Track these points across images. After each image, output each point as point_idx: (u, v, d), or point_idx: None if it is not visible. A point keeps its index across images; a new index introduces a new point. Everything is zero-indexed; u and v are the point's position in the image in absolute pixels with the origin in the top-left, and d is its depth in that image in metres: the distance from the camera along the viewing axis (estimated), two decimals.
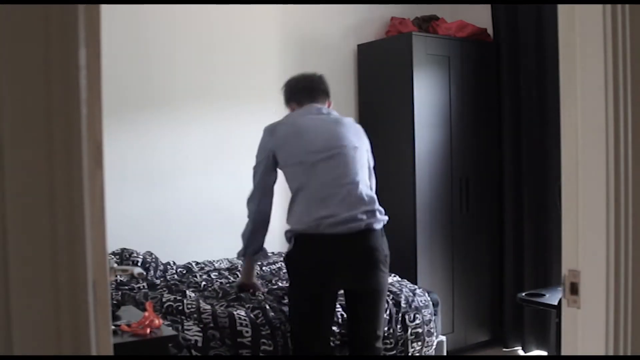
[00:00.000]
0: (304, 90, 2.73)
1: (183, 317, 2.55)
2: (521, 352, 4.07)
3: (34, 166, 0.76)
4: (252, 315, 2.60)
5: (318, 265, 2.48)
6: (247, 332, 2.53)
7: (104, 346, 0.83)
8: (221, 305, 2.69)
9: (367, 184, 2.61)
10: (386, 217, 2.60)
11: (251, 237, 2.76)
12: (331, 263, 2.47)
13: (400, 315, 2.91)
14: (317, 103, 2.71)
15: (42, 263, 0.77)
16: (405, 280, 3.28)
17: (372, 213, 2.52)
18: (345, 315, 2.72)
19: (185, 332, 2.45)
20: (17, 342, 0.76)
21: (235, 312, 2.58)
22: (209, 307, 2.60)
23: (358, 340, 2.63)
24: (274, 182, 2.68)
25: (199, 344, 2.43)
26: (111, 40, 3.19)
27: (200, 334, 2.46)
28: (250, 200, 2.74)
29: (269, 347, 2.55)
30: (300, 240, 2.51)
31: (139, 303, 2.62)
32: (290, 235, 2.54)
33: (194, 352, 2.41)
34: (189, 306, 2.59)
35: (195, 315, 2.55)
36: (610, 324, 1.15)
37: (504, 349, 4.10)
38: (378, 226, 2.54)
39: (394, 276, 3.34)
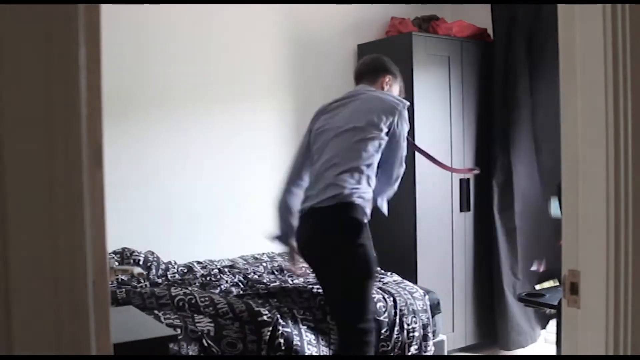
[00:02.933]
0: (355, 75, 2.96)
1: (193, 310, 2.57)
2: (521, 352, 4.07)
3: (34, 166, 0.76)
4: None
5: (297, 245, 2.78)
6: (264, 311, 2.61)
7: (104, 346, 0.83)
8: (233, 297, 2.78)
9: (341, 163, 2.59)
10: (340, 193, 2.55)
11: (277, 221, 2.86)
12: (299, 239, 2.74)
13: (397, 318, 2.91)
14: (361, 84, 2.86)
15: (42, 263, 0.77)
16: (405, 281, 3.27)
17: (321, 191, 2.59)
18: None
19: (197, 324, 2.48)
20: (17, 342, 0.76)
21: (250, 302, 2.69)
22: (222, 298, 2.66)
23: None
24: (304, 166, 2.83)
25: (212, 333, 2.48)
26: (111, 40, 3.19)
27: (212, 324, 2.51)
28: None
29: (287, 329, 2.62)
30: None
31: (145, 300, 2.63)
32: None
33: (204, 342, 2.45)
34: (202, 299, 2.63)
35: (210, 309, 2.58)
36: (610, 324, 1.15)
37: (503, 349, 4.10)
38: (321, 205, 2.57)
39: (392, 275, 3.34)
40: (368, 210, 2.64)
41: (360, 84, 2.87)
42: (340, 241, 2.57)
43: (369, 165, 2.60)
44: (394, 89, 2.89)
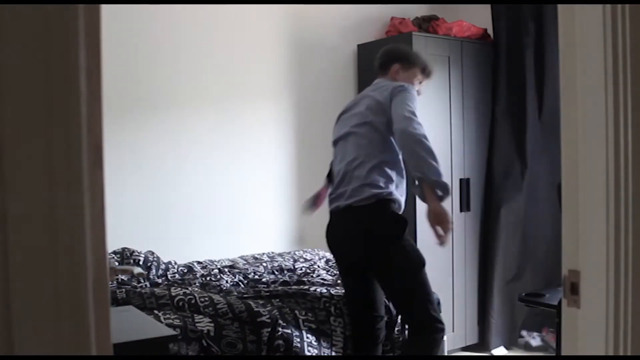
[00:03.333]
0: (375, 73, 2.97)
1: (193, 310, 2.57)
2: (520, 352, 4.07)
3: (33, 167, 0.76)
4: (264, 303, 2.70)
5: (327, 240, 2.80)
6: (264, 312, 2.60)
7: (104, 346, 0.83)
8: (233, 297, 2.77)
9: (366, 161, 2.61)
10: (380, 192, 2.57)
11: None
12: (331, 236, 2.77)
13: (398, 318, 2.91)
14: (378, 78, 2.90)
15: (42, 263, 0.77)
16: None
17: (356, 190, 2.59)
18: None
19: (197, 324, 2.47)
20: (17, 342, 0.76)
21: (250, 302, 2.67)
22: (222, 299, 2.66)
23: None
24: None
25: (212, 333, 2.48)
26: (112, 40, 3.19)
27: (212, 324, 2.50)
28: None
29: (287, 330, 2.61)
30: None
31: (145, 300, 2.63)
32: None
33: (204, 342, 2.44)
34: (202, 299, 2.62)
35: (210, 309, 2.57)
36: (610, 324, 1.15)
37: (504, 349, 4.10)
38: (361, 203, 2.58)
39: None
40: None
41: (377, 79, 2.91)
42: (388, 238, 2.62)
43: (393, 158, 2.65)
44: (406, 75, 2.82)
